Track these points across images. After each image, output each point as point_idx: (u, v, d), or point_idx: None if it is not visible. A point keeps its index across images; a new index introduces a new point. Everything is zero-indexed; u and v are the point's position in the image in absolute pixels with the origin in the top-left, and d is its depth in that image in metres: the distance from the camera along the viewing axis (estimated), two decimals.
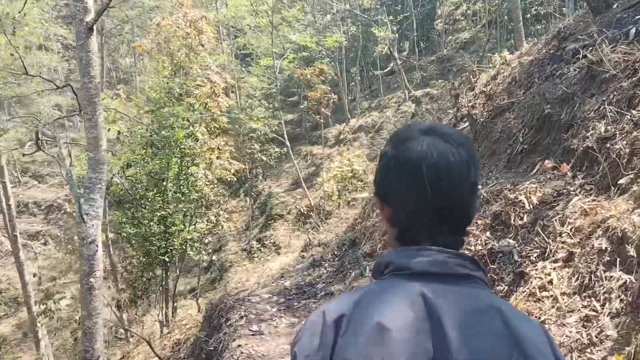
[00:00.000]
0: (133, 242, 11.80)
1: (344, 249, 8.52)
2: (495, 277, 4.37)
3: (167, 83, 12.06)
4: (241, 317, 6.33)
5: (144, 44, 13.91)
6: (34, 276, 17.90)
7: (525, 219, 4.69)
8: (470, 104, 8.62)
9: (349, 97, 29.40)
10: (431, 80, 25.15)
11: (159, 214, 11.46)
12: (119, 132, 11.98)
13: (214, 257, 17.94)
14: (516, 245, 4.47)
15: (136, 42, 16.67)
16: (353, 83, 29.08)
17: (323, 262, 8.57)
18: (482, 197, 5.68)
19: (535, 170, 5.51)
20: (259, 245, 20.35)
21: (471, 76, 11.78)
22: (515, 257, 4.38)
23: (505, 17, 21.99)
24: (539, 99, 6.00)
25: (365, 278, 6.15)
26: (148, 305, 13.20)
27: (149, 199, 11.58)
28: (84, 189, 6.03)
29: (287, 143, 13.71)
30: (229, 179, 14.83)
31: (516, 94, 6.99)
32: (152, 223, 11.40)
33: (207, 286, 22.42)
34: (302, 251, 10.74)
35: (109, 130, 12.19)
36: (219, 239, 23.88)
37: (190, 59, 13.35)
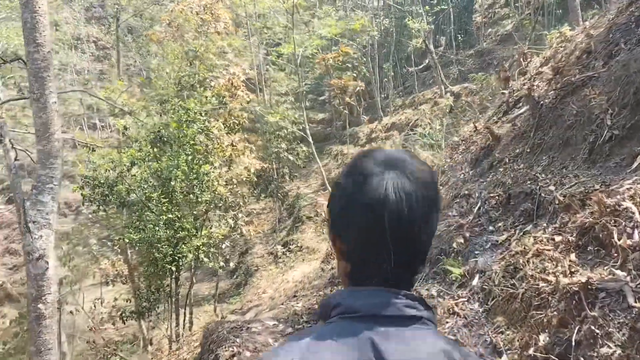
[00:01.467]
0: (137, 248, 10.46)
1: None
2: (597, 331, 2.72)
3: (177, 72, 10.68)
4: (232, 356, 4.80)
5: (157, 32, 12.64)
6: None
7: (637, 237, 3.02)
8: (526, 86, 6.90)
9: (382, 95, 27.73)
10: (469, 74, 23.33)
11: (165, 217, 10.08)
12: (125, 127, 10.67)
13: (231, 264, 16.48)
14: (629, 279, 2.82)
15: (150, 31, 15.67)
16: (386, 79, 27.34)
17: None
18: (557, 201, 4.01)
19: (637, 164, 3.81)
20: (284, 250, 18.86)
21: (521, 59, 10.02)
22: (631, 300, 2.73)
23: (553, 2, 19.92)
24: (636, 66, 4.29)
25: None
26: (157, 318, 11.85)
27: (155, 201, 10.21)
28: (32, 189, 4.63)
29: (310, 139, 12.11)
30: (248, 179, 13.37)
31: (593, 66, 5.26)
32: (157, 227, 10.02)
33: (232, 291, 21.07)
34: (322, 262, 9.17)
35: (117, 127, 10.92)
36: (245, 241, 22.57)
37: (207, 47, 11.96)
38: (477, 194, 5.49)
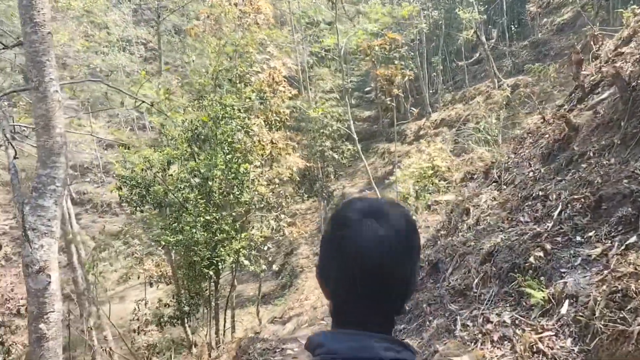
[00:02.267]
0: (174, 252, 9.89)
1: (422, 275, 5.96)
2: None
3: (214, 67, 10.04)
4: None
5: (196, 27, 12.08)
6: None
7: None
8: (606, 69, 5.80)
9: (430, 90, 26.50)
10: (524, 66, 21.86)
11: (203, 218, 9.45)
12: (161, 125, 10.12)
13: (274, 266, 15.79)
14: None
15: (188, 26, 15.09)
16: (435, 74, 26.07)
17: None
18: None
19: None
20: None
21: (592, 42, 8.79)
22: None
23: None
24: None
25: (455, 340, 3.61)
26: (197, 322, 11.27)
27: (192, 202, 9.60)
28: (31, 191, 3.98)
29: (355, 137, 11.23)
30: (291, 178, 12.63)
31: None
32: (194, 230, 9.40)
33: (277, 292, 20.47)
34: None
35: (151, 123, 10.40)
36: (290, 242, 21.93)
37: (246, 40, 11.27)
38: (555, 195, 4.47)
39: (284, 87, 12.75)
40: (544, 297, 3.37)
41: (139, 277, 16.36)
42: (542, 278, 3.57)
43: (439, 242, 6.69)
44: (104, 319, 16.08)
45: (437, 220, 8.74)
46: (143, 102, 5.10)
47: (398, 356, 0.98)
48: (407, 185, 10.57)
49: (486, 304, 3.87)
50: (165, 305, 10.83)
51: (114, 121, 31.16)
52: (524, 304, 3.57)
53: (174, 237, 9.34)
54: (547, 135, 6.07)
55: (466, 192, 7.50)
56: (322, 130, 18.46)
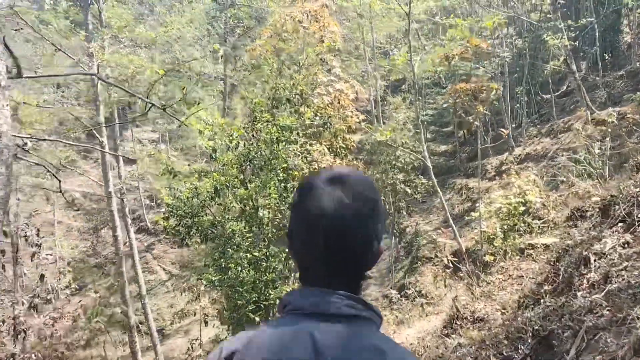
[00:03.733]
0: (218, 291, 8.54)
1: (521, 347, 4.12)
2: None
3: (272, 85, 8.81)
4: None
5: (259, 47, 11.02)
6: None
7: None
8: None
9: (513, 125, 24.15)
10: (624, 96, 19.28)
11: (250, 255, 8.05)
12: (214, 150, 8.96)
13: None
14: None
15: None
16: (518, 105, 23.79)
17: None
18: None
19: None
20: (399, 295, 16.04)
21: None
22: None
23: None
24: None
25: None
26: None
27: (238, 235, 8.24)
28: None
29: (429, 164, 9.44)
30: None
31: None
32: (240, 268, 8.00)
33: None
34: (444, 327, 6.44)
35: (206, 148, 9.30)
36: None
37: (311, 58, 10.03)
38: None
39: (351, 111, 11.33)
40: None
41: (195, 314, 15.30)
42: None
43: (543, 301, 4.79)
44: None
45: (533, 269, 6.77)
46: (153, 104, 3.86)
47: (358, 313, 1.03)
48: (492, 224, 8.62)
49: None
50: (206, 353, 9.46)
51: (192, 153, 31.17)
52: None
53: (217, 276, 7.99)
54: None
55: (577, 235, 5.56)
56: (394, 162, 16.79)
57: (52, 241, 24.20)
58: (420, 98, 28.71)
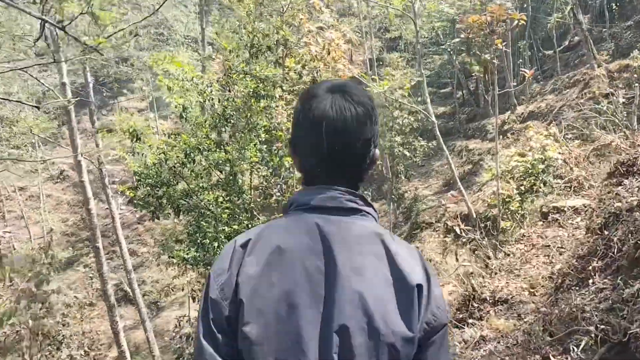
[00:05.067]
0: (194, 271, 7.31)
1: (573, 348, 2.89)
2: None
3: (248, 30, 7.38)
4: None
5: None
6: None
7: None
8: None
9: (514, 83, 22.67)
10: (629, 49, 17.78)
11: (227, 229, 6.79)
12: (184, 108, 7.59)
13: None
14: None
15: None
16: (521, 61, 22.25)
17: None
18: None
19: None
20: None
21: None
22: None
23: None
24: None
25: None
26: None
27: (214, 206, 6.96)
28: None
29: (434, 119, 8.06)
30: None
31: None
32: (217, 243, 6.75)
33: None
34: (457, 309, 5.22)
35: (175, 106, 7.91)
36: None
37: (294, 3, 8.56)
38: None
39: (343, 65, 9.90)
40: None
41: (183, 289, 14.22)
42: None
43: (592, 282, 3.55)
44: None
45: (561, 237, 5.51)
46: (46, 21, 2.57)
47: (359, 207, 1.12)
48: (504, 185, 7.34)
49: None
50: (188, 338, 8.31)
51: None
52: None
53: (191, 253, 6.74)
54: None
55: (628, 196, 4.28)
56: (391, 124, 15.41)
57: (39, 215, 23.00)
58: (416, 57, 27.08)
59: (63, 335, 14.36)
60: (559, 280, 4.22)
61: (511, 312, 4.43)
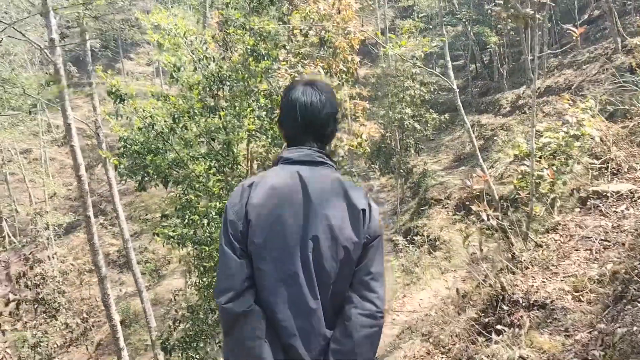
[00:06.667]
0: (184, 249, 6.45)
1: None
2: None
3: None
4: None
5: None
6: None
7: None
8: None
9: (530, 56, 21.39)
10: None
11: (219, 204, 5.90)
12: (176, 68, 6.61)
13: None
14: None
15: None
16: (539, 33, 20.80)
17: None
18: None
19: None
20: (405, 241, 14.03)
21: None
22: None
23: None
24: None
25: None
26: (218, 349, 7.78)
27: (204, 178, 6.05)
28: None
29: (454, 86, 7.03)
30: (361, 150, 8.75)
31: None
32: (208, 220, 5.87)
33: None
34: (482, 311, 4.34)
35: (165, 65, 6.91)
36: None
37: None
38: None
39: (354, 26, 8.84)
40: None
41: (180, 261, 13.50)
42: None
43: None
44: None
45: (605, 228, 4.56)
46: None
47: (326, 161, 1.63)
48: (538, 164, 6.35)
49: None
50: (175, 323, 7.51)
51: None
52: None
53: (174, 231, 5.86)
54: None
55: None
56: (402, 95, 14.31)
57: (41, 178, 22.23)
58: (430, 28, 25.66)
59: (59, 303, 13.73)
60: (619, 288, 3.31)
61: (554, 323, 3.52)
